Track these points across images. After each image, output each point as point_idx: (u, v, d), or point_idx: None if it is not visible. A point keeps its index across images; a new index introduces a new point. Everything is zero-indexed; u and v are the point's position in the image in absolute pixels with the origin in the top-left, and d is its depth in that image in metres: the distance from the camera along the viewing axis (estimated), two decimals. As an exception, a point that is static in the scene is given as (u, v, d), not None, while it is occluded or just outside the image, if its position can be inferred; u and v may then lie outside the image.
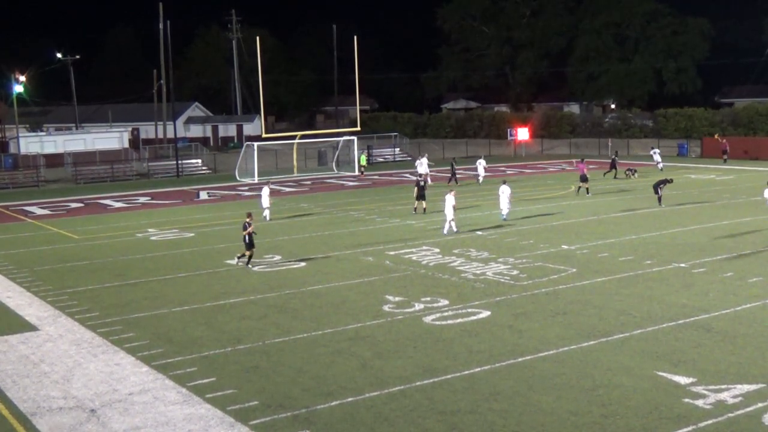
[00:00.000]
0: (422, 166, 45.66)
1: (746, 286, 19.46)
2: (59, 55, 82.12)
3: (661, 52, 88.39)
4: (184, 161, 62.19)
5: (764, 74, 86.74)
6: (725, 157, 56.95)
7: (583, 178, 38.29)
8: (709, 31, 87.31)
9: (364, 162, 56.84)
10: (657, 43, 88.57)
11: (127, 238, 30.31)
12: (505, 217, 30.98)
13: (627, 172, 46.60)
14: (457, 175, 45.82)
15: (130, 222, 34.82)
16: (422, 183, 34.60)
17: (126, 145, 68.57)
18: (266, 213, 33.27)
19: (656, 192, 33.83)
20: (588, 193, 38.16)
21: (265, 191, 33.46)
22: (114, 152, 63.41)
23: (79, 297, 20.54)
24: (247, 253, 23.50)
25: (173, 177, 58.58)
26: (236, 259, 24.04)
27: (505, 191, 30.93)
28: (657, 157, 51.69)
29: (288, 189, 47.57)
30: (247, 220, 23.42)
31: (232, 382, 13.88)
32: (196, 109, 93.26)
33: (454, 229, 28.28)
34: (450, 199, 28.09)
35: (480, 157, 50.32)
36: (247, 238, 23.24)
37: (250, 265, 23.56)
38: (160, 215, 36.96)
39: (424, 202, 33.65)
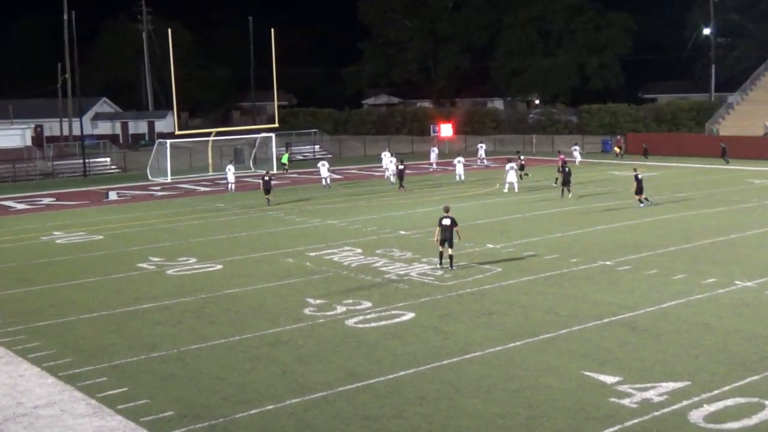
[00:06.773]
0: (324, 168, 44.63)
1: (670, 283, 19.75)
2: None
3: (584, 47, 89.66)
4: (92, 160, 60.24)
5: (687, 70, 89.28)
6: (632, 152, 58.87)
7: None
8: (631, 27, 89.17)
9: (286, 160, 55.93)
10: (580, 38, 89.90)
11: (31, 241, 29.07)
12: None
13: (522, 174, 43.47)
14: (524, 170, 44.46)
15: (34, 224, 33.47)
16: (267, 178, 37.34)
17: (29, 143, 65.89)
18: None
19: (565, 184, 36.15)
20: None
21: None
22: (16, 150, 60.77)
23: (-23, 304, 19.35)
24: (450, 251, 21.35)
25: (80, 176, 56.70)
26: (443, 266, 21.58)
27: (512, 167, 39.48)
28: (576, 154, 52.95)
29: (203, 189, 46.44)
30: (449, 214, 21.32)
31: (145, 391, 13.24)
32: (104, 105, 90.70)
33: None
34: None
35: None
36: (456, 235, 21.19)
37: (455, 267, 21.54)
38: (67, 217, 35.61)
39: (269, 195, 37.12)
